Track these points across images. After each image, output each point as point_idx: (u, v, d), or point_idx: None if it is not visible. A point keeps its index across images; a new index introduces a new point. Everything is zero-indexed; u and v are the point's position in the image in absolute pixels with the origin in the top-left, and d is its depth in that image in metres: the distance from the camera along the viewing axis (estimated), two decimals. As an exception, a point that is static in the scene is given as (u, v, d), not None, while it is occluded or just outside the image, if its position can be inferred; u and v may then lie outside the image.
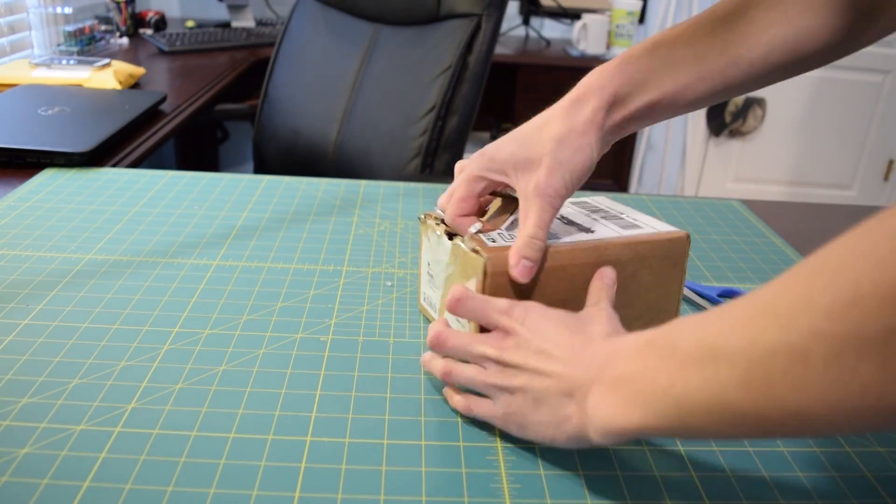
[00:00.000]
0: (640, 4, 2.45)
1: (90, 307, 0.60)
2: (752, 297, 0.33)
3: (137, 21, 1.98)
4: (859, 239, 0.30)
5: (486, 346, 0.46)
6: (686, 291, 0.68)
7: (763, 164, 2.87)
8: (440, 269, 0.56)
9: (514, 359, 0.44)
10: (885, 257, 0.27)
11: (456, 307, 0.48)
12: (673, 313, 0.56)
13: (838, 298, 0.28)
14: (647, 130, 2.75)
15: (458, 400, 0.49)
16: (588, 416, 0.40)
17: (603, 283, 0.50)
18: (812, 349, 0.29)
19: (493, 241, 0.51)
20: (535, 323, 0.45)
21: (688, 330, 0.36)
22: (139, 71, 1.43)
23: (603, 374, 0.40)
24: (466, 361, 0.48)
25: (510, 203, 0.56)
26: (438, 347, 0.49)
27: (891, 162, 2.87)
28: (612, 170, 2.59)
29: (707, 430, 0.35)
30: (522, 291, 0.50)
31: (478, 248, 0.50)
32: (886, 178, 2.90)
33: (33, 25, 1.69)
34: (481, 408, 0.47)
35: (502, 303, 0.47)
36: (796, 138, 2.84)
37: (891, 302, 0.27)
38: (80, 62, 1.37)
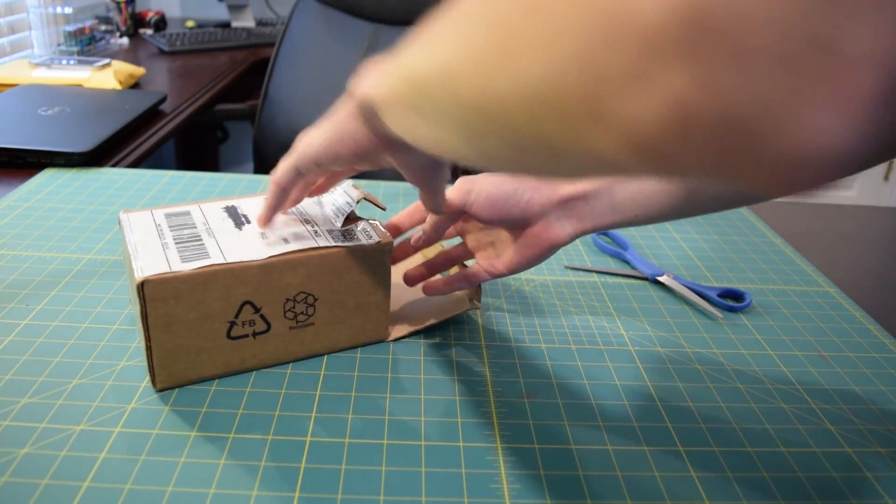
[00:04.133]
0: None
1: (90, 307, 0.60)
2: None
3: (137, 21, 1.98)
4: None
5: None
6: (686, 292, 0.68)
7: (763, 164, 2.87)
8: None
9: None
10: None
11: None
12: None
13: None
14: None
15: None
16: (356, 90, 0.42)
17: None
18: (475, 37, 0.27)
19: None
20: None
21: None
22: (139, 71, 1.43)
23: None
24: None
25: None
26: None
27: (891, 162, 2.87)
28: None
29: (436, 103, 0.33)
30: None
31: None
32: (886, 177, 2.90)
33: (33, 25, 1.69)
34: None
35: None
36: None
37: None
38: (80, 62, 1.37)
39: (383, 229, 0.55)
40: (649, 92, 0.18)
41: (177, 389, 0.50)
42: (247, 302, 0.50)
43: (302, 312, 0.53)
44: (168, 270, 0.47)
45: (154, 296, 0.46)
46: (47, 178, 0.87)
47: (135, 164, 1.00)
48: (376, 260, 0.54)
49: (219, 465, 0.44)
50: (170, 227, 0.54)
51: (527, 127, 0.25)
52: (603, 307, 0.66)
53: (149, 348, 0.48)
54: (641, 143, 0.20)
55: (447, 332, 0.60)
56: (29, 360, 0.52)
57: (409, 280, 0.59)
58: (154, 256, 0.49)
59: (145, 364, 0.52)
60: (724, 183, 0.19)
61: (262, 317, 0.51)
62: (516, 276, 0.70)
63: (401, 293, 0.63)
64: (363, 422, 0.49)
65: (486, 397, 0.52)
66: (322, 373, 0.53)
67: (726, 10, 0.16)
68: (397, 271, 0.64)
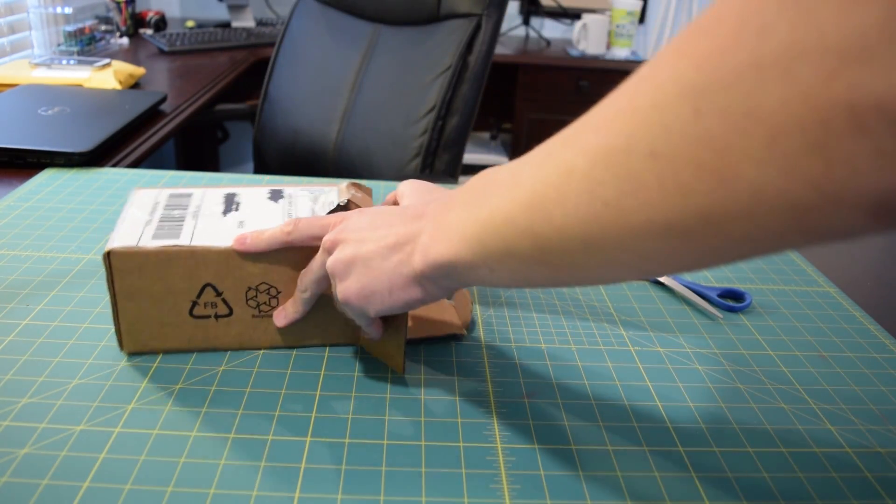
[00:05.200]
0: (640, 4, 2.45)
1: (90, 307, 0.60)
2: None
3: (137, 21, 1.98)
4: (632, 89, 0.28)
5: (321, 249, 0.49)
6: (686, 292, 0.68)
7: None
8: None
9: (342, 235, 0.47)
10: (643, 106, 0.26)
11: (291, 233, 0.50)
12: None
13: (606, 113, 0.28)
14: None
15: (279, 311, 0.52)
16: (418, 252, 0.42)
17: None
18: (576, 162, 0.29)
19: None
20: (356, 215, 0.48)
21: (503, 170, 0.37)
22: (139, 71, 1.43)
23: (433, 219, 0.42)
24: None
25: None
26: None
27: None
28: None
29: (506, 256, 0.35)
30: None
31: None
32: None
33: (33, 25, 1.69)
34: (335, 290, 0.48)
35: (324, 219, 0.50)
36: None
37: (639, 120, 0.26)
38: (80, 62, 1.37)
39: None
40: (892, 165, 0.19)
41: (177, 390, 0.50)
42: (208, 284, 0.52)
43: (264, 303, 0.54)
44: (134, 245, 0.50)
45: (119, 266, 0.50)
46: (47, 178, 0.87)
47: (135, 164, 1.00)
48: None
49: (219, 465, 0.44)
50: (165, 206, 0.57)
51: (737, 231, 0.24)
52: (603, 307, 0.66)
53: (116, 315, 0.52)
54: (887, 208, 0.20)
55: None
56: (29, 360, 0.52)
57: None
58: (131, 231, 0.52)
59: (145, 364, 0.52)
60: None
61: (224, 301, 0.53)
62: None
63: None
64: (363, 422, 0.49)
65: (486, 397, 0.52)
66: (322, 373, 0.53)
67: None
68: None
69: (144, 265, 0.50)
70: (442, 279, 0.42)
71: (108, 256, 0.50)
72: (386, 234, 0.45)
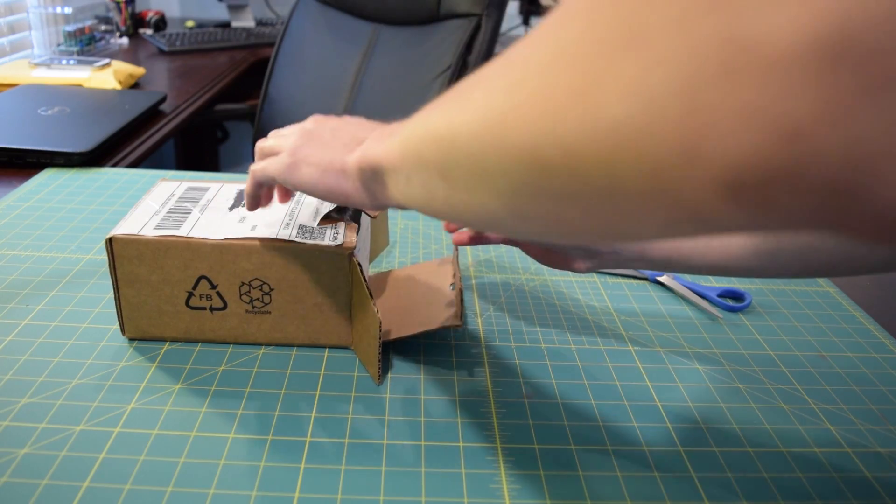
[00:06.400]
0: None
1: (90, 307, 0.60)
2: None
3: (137, 21, 1.98)
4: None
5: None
6: (686, 291, 0.68)
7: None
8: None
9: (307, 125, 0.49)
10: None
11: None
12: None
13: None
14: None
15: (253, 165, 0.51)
16: (360, 148, 0.43)
17: None
18: (491, 69, 0.28)
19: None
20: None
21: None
22: (139, 71, 1.43)
23: (387, 126, 0.43)
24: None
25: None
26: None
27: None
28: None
29: (418, 163, 0.35)
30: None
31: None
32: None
33: (33, 25, 1.69)
34: (270, 161, 0.49)
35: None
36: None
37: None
38: (80, 62, 1.37)
39: (357, 235, 0.54)
40: (762, 124, 0.17)
41: (177, 390, 0.50)
42: (203, 277, 0.53)
43: (258, 299, 0.54)
44: (136, 233, 0.52)
45: (120, 252, 0.52)
46: (47, 178, 0.87)
47: (135, 164, 1.00)
48: (335, 263, 0.53)
49: (219, 465, 0.44)
50: (179, 198, 0.59)
51: (597, 177, 0.22)
52: (603, 307, 0.66)
53: (118, 300, 0.54)
54: (744, 184, 0.18)
55: (447, 332, 0.60)
56: (29, 360, 0.52)
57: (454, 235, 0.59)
58: (138, 220, 0.54)
59: (145, 364, 0.53)
60: (826, 233, 0.18)
61: (219, 294, 0.54)
62: (516, 275, 0.70)
63: (390, 304, 0.62)
64: (363, 422, 0.48)
65: (486, 397, 0.52)
66: (322, 373, 0.53)
67: (873, 39, 0.15)
68: (393, 286, 0.64)
69: (143, 253, 0.52)
70: (369, 181, 0.43)
71: (110, 242, 0.52)
72: (343, 134, 0.47)
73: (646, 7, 0.19)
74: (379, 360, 0.52)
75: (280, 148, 0.49)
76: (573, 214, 0.25)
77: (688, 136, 0.18)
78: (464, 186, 0.31)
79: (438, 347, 0.57)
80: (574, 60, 0.22)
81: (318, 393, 0.51)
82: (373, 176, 0.42)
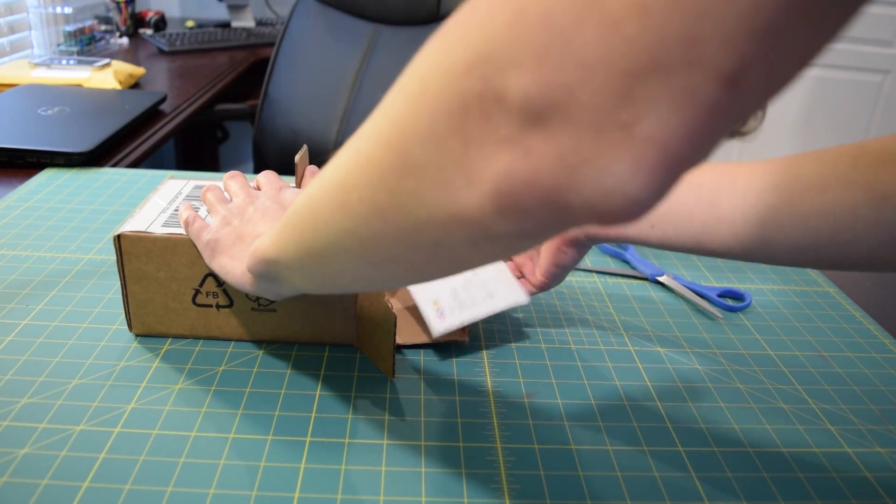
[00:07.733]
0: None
1: (90, 307, 0.60)
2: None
3: (137, 21, 1.98)
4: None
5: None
6: (686, 292, 0.68)
7: (763, 164, 2.86)
8: None
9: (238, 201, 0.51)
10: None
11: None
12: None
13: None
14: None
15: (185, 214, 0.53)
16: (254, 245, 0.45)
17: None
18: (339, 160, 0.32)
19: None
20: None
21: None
22: (139, 71, 1.43)
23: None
24: None
25: None
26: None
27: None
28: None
29: (294, 249, 0.37)
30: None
31: None
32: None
33: (33, 25, 1.69)
34: (199, 225, 0.51)
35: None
36: (796, 138, 2.84)
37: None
38: (80, 62, 1.37)
39: None
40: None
41: (177, 390, 0.50)
42: (210, 274, 0.53)
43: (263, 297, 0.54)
44: (143, 230, 0.53)
45: (128, 249, 0.53)
46: (47, 178, 0.87)
47: (135, 164, 1.00)
48: None
49: (219, 465, 0.44)
50: (186, 196, 0.60)
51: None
52: (603, 307, 0.66)
53: (125, 296, 0.54)
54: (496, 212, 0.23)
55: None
56: (29, 360, 0.52)
57: None
58: (146, 218, 0.55)
59: (145, 364, 0.52)
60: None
61: (225, 292, 0.54)
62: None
63: (395, 307, 0.61)
64: (363, 422, 0.48)
65: (486, 397, 0.52)
66: (322, 373, 0.53)
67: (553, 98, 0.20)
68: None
69: (151, 250, 0.53)
70: (265, 280, 0.44)
71: (119, 239, 0.52)
72: (255, 227, 0.49)
73: (356, 170, 0.29)
74: (393, 355, 0.52)
75: (214, 215, 0.51)
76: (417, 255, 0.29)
77: (466, 164, 0.23)
78: (326, 255, 0.34)
79: (438, 347, 0.57)
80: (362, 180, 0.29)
81: (318, 393, 0.51)
82: (266, 274, 0.43)
